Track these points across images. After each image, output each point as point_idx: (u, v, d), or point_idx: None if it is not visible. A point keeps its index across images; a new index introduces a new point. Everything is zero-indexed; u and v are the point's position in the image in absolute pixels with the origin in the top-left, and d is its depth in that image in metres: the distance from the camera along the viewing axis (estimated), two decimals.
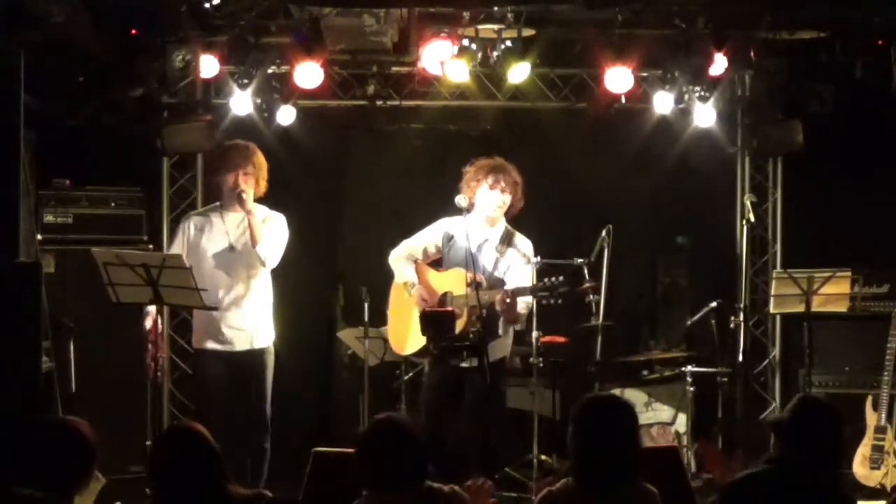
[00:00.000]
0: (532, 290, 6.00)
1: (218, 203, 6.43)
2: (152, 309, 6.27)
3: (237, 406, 6.30)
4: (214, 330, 6.28)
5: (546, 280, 5.94)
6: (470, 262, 5.93)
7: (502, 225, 6.34)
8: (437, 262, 6.49)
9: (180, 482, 3.79)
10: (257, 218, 6.26)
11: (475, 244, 6.22)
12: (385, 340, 7.31)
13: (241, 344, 6.29)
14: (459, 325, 5.97)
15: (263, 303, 6.38)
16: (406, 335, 6.36)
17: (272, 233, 6.32)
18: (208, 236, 6.35)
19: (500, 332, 6.20)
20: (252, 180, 6.30)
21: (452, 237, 6.33)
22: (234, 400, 6.28)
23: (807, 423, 3.91)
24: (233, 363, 6.29)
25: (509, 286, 6.15)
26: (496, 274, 6.24)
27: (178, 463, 3.81)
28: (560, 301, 5.97)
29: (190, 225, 6.43)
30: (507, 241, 6.30)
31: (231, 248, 6.31)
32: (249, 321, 6.30)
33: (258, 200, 6.44)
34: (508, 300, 5.97)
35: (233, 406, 6.29)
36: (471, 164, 6.38)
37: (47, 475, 3.80)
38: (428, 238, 6.44)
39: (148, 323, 6.31)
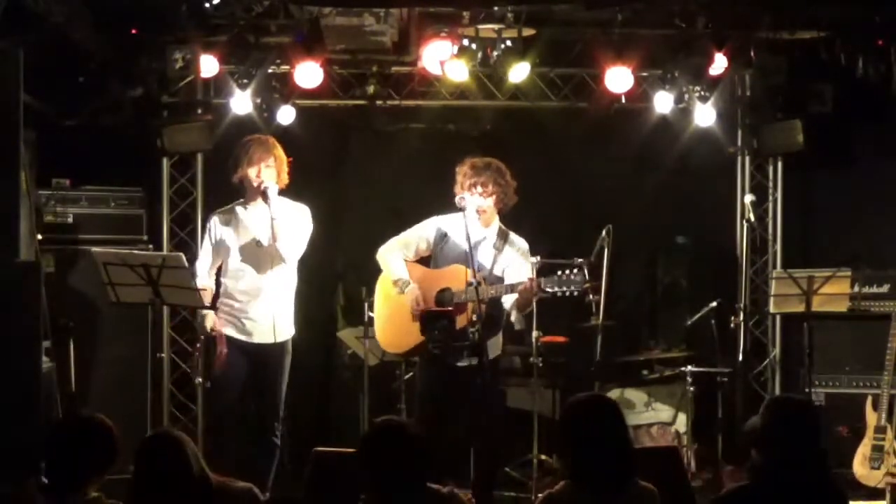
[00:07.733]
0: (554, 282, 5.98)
1: (241, 199, 6.43)
2: (209, 311, 6.26)
3: (249, 398, 6.32)
4: (236, 319, 6.29)
5: (560, 272, 5.93)
6: (470, 259, 5.91)
7: (496, 224, 6.32)
8: (425, 261, 6.45)
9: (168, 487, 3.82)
10: (280, 211, 6.25)
11: (472, 242, 6.18)
12: None
13: (260, 337, 6.28)
14: (463, 321, 5.96)
15: (286, 298, 6.37)
16: (398, 335, 6.32)
17: (294, 226, 6.31)
18: (234, 232, 6.35)
19: (506, 306, 6.15)
20: (274, 173, 6.29)
21: (446, 235, 6.28)
22: (247, 391, 6.29)
23: (782, 426, 3.86)
24: (251, 354, 6.29)
25: (508, 281, 6.12)
26: (494, 272, 6.22)
27: (165, 471, 3.83)
28: (577, 293, 5.98)
29: (215, 223, 6.44)
30: (503, 239, 6.28)
31: (256, 242, 6.31)
32: (271, 315, 6.27)
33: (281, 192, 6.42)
34: (533, 286, 5.92)
35: (245, 397, 6.30)
36: (460, 165, 6.31)
37: (70, 469, 3.84)
38: (419, 234, 6.36)
39: (209, 323, 6.26)
